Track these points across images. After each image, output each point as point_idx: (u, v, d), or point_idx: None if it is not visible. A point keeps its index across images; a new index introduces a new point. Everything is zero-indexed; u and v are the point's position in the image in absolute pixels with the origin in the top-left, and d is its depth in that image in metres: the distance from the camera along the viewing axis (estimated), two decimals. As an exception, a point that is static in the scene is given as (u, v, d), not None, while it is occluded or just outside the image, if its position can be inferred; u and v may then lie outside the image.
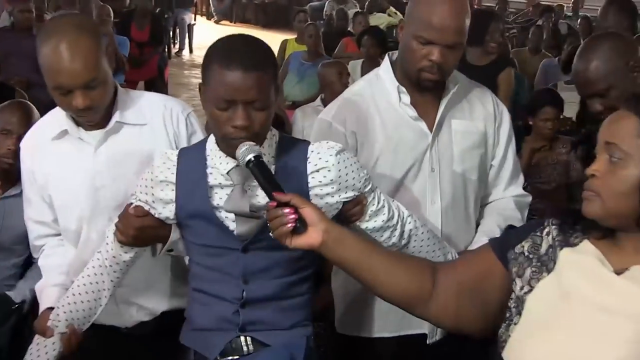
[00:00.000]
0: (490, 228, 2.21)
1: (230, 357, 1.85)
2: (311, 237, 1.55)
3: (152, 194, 1.85)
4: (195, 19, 12.71)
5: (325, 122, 2.20)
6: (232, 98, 1.66)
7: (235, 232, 1.79)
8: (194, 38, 12.31)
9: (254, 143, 1.67)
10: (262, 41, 1.78)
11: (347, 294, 2.26)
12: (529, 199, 2.35)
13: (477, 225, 2.28)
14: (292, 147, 1.82)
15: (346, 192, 1.82)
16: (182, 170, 1.84)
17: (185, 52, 12.11)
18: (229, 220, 1.80)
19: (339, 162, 1.79)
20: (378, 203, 1.88)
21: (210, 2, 15.02)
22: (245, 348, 1.85)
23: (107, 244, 1.94)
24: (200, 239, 1.87)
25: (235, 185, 1.77)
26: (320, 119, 2.23)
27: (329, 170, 1.79)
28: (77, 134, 2.04)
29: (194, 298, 1.93)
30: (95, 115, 1.98)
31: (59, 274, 2.15)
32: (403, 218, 1.92)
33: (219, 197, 1.80)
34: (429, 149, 2.16)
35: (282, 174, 1.75)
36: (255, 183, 1.72)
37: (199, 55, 12.07)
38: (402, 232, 1.91)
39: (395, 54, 2.22)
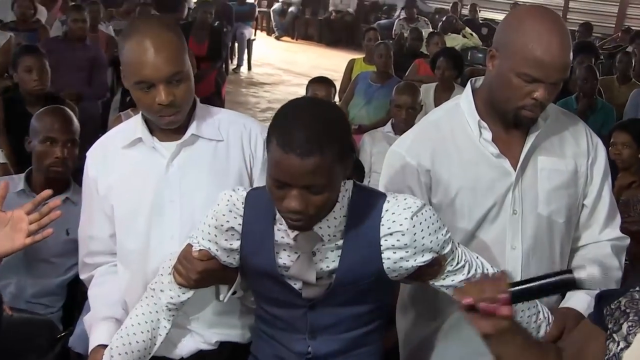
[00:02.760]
0: None
1: None
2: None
3: (216, 242, 1.87)
4: (255, 34, 12.81)
5: (397, 155, 2.16)
6: (287, 181, 1.65)
7: (302, 295, 1.82)
8: (253, 54, 12.42)
9: None
10: (332, 109, 1.73)
11: (412, 336, 2.24)
12: (627, 241, 2.24)
13: None
14: (366, 204, 1.81)
15: (423, 256, 1.81)
16: (248, 222, 1.84)
17: (244, 68, 12.21)
18: (296, 280, 1.82)
19: (414, 226, 1.77)
20: (457, 263, 1.86)
21: (272, 17, 15.16)
22: None
23: (162, 282, 1.95)
24: (265, 292, 1.91)
25: (303, 254, 1.78)
26: (393, 151, 2.19)
27: (403, 235, 1.77)
28: (152, 143, 2.06)
29: (260, 336, 1.97)
30: (178, 115, 2.01)
31: (110, 305, 2.15)
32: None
33: (287, 255, 1.82)
34: (512, 189, 2.09)
35: (353, 234, 1.77)
36: (324, 247, 1.76)
37: (257, 72, 12.17)
38: None
39: (479, 81, 2.17)
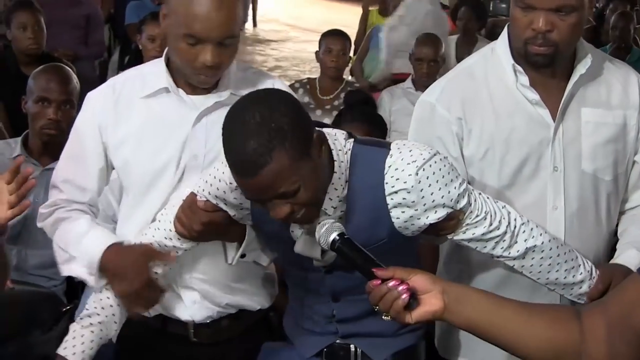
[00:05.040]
0: (637, 238, 2.07)
1: None
2: (431, 304, 1.53)
3: (224, 200, 1.85)
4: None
5: (427, 105, 2.13)
6: (260, 198, 1.66)
7: (314, 264, 1.81)
8: (258, 9, 12.33)
9: (332, 220, 1.63)
10: (272, 105, 1.64)
11: None
12: None
13: (614, 237, 2.16)
14: (368, 162, 1.77)
15: (435, 212, 1.78)
16: None
17: (249, 25, 12.13)
18: None
19: (420, 182, 1.74)
20: (477, 215, 1.83)
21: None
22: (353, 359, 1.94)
23: (157, 229, 1.94)
24: (282, 255, 1.93)
25: (306, 232, 1.77)
26: (423, 101, 2.16)
27: (409, 192, 1.74)
28: (179, 94, 2.01)
29: (294, 300, 2.02)
30: (214, 77, 1.97)
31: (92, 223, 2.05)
32: (515, 227, 1.86)
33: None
34: (551, 142, 2.05)
35: (356, 194, 1.75)
36: (332, 215, 1.73)
37: (263, 29, 12.10)
38: (512, 243, 1.86)
39: None
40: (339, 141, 1.78)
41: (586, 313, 1.52)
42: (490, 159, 2.05)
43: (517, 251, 1.87)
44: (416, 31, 5.08)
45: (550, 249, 1.89)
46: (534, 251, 1.87)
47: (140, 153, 2.02)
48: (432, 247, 2.33)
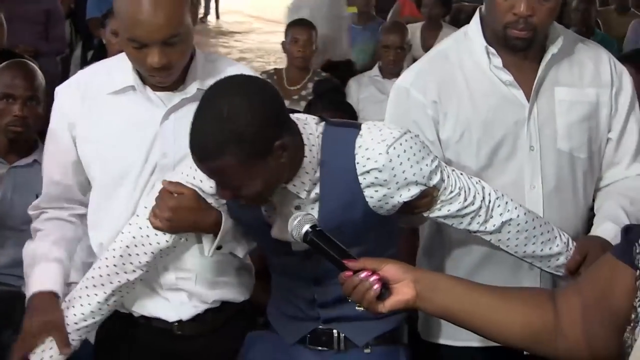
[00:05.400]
0: (613, 211, 2.09)
1: (320, 348, 1.96)
2: (403, 293, 1.55)
3: (201, 189, 1.86)
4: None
5: (402, 90, 2.14)
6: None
7: (292, 249, 1.82)
8: (220, 1, 12.28)
9: (304, 212, 1.66)
10: (246, 97, 1.66)
11: None
12: None
13: (590, 213, 2.18)
14: (339, 143, 1.79)
15: (408, 190, 1.79)
16: None
17: (211, 17, 12.10)
18: None
19: (391, 160, 1.75)
20: (451, 192, 1.84)
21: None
22: (335, 345, 1.95)
23: (136, 224, 1.92)
24: (260, 242, 1.94)
25: (279, 212, 1.79)
26: (397, 86, 2.18)
27: (380, 171, 1.75)
28: (145, 93, 1.99)
29: (276, 287, 2.03)
30: (170, 77, 1.94)
31: (55, 244, 2.06)
32: (489, 202, 1.89)
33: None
34: (527, 122, 2.07)
35: (329, 176, 1.76)
36: (305, 202, 1.76)
37: (226, 20, 12.06)
38: (488, 218, 1.89)
39: None
40: (310, 125, 1.79)
41: (560, 294, 1.52)
42: (467, 141, 2.07)
43: (494, 225, 1.89)
44: (318, 10, 5.11)
45: (526, 222, 1.92)
46: (509, 225, 1.90)
47: (106, 151, 2.00)
48: (410, 234, 2.36)
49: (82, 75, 2.11)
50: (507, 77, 2.07)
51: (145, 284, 2.03)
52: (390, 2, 7.25)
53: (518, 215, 1.91)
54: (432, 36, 5.63)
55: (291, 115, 1.79)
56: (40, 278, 2.00)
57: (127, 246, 1.92)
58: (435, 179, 1.81)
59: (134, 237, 1.92)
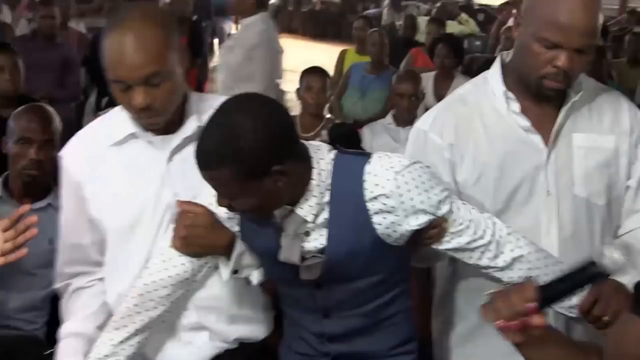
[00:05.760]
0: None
1: None
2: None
3: (218, 214, 1.89)
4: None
5: (421, 132, 2.16)
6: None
7: (301, 277, 1.82)
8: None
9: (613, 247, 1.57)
10: (256, 118, 1.70)
11: (443, 336, 2.24)
12: None
13: None
14: (348, 171, 1.80)
15: (417, 218, 1.80)
16: None
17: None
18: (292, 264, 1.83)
19: (399, 187, 1.76)
20: (460, 224, 1.85)
21: (252, 10, 15.16)
22: None
23: (154, 264, 1.95)
24: (270, 271, 1.92)
25: (286, 235, 1.80)
26: (417, 128, 2.19)
27: (388, 197, 1.76)
28: (148, 137, 2.00)
29: (285, 317, 2.02)
30: (158, 118, 1.94)
31: (85, 319, 2.11)
32: (499, 237, 1.89)
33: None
34: (544, 167, 2.07)
35: (338, 202, 1.77)
36: (312, 225, 1.79)
37: (239, 69, 12.11)
38: (499, 253, 1.88)
39: (509, 55, 2.15)
40: (322, 151, 1.82)
41: None
42: (483, 184, 2.07)
43: (504, 261, 1.89)
44: (248, 50, 5.08)
45: (538, 260, 1.91)
46: (520, 262, 1.90)
47: (116, 201, 2.02)
48: (425, 282, 2.35)
49: (83, 134, 2.13)
50: (525, 122, 2.07)
51: (167, 327, 2.03)
52: (403, 52, 7.31)
53: (529, 252, 1.90)
54: (444, 86, 5.65)
55: (304, 141, 1.82)
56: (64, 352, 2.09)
57: (145, 284, 1.94)
58: (444, 209, 1.82)
59: (151, 274, 1.94)
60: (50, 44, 5.91)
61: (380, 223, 1.79)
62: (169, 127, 2.00)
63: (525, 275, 1.90)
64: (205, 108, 2.02)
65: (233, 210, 1.79)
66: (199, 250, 1.92)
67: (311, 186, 1.77)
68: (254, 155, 1.66)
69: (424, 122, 2.18)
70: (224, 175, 1.67)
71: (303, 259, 1.80)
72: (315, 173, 1.78)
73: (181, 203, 1.90)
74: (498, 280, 1.96)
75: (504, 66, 2.13)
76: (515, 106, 2.07)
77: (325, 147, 1.84)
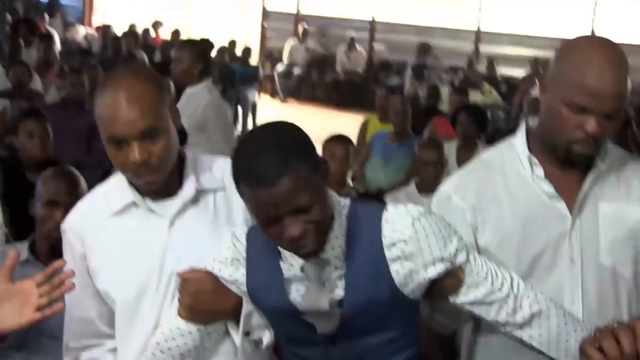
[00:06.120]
0: None
1: None
2: None
3: (222, 277, 1.89)
4: (260, 97, 12.95)
5: (444, 195, 2.16)
6: (274, 215, 1.69)
7: (317, 331, 1.80)
8: (257, 118, 12.53)
9: None
10: (284, 126, 1.76)
11: None
12: None
13: None
14: (365, 217, 1.81)
15: (435, 267, 1.80)
16: (252, 255, 1.86)
17: (249, 133, 12.27)
18: (310, 316, 1.81)
19: (417, 232, 1.77)
20: (477, 274, 1.85)
21: (276, 79, 15.36)
22: None
23: (158, 332, 1.95)
24: (282, 331, 1.90)
25: (312, 281, 1.78)
26: (440, 191, 2.20)
27: (406, 243, 1.77)
28: (147, 206, 2.00)
29: None
30: (155, 175, 1.93)
31: None
32: (517, 291, 1.87)
33: (296, 290, 1.82)
34: (568, 235, 2.05)
35: (354, 252, 1.77)
36: (333, 276, 1.76)
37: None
38: (517, 308, 1.87)
39: (534, 120, 2.15)
40: (335, 196, 1.83)
41: None
42: (506, 250, 2.05)
43: (523, 317, 1.87)
44: (197, 122, 4.97)
45: (557, 316, 1.89)
46: (540, 318, 1.88)
47: (120, 272, 2.01)
48: (444, 346, 2.33)
49: (83, 205, 2.12)
50: (549, 188, 2.06)
51: None
52: (426, 121, 7.36)
53: (548, 308, 1.88)
54: (467, 155, 5.61)
55: None
56: None
57: (153, 354, 1.94)
58: (461, 258, 1.83)
59: (159, 343, 1.93)
60: (79, 111, 6.01)
61: (398, 271, 1.79)
62: (168, 189, 2.00)
63: (545, 334, 1.89)
64: (202, 168, 2.05)
65: (302, 242, 1.71)
66: (205, 316, 1.91)
67: (334, 227, 1.77)
68: (309, 144, 1.73)
69: (447, 185, 2.18)
70: (298, 174, 1.65)
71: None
72: (337, 217, 1.78)
73: (183, 272, 1.89)
74: (522, 351, 1.94)
75: (528, 132, 2.13)
76: (540, 171, 2.07)
77: (336, 194, 1.85)
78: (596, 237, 2.06)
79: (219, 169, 2.08)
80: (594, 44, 2.00)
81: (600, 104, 1.93)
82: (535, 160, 2.08)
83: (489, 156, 2.20)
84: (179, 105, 5.13)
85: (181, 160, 2.03)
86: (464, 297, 1.86)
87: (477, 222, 2.08)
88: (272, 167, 1.65)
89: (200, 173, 2.04)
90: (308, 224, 1.69)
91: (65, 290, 1.84)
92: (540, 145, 2.09)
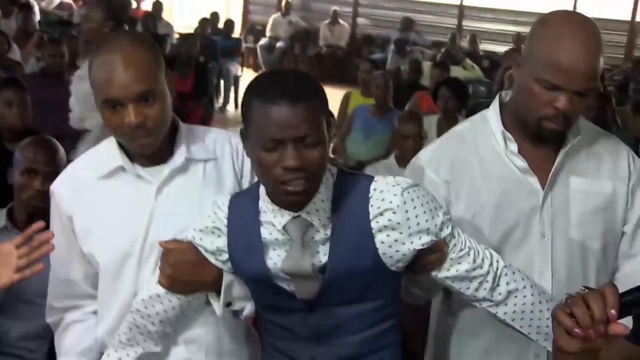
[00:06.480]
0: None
1: None
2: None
3: (203, 247, 1.89)
4: (242, 71, 12.90)
5: (417, 168, 2.17)
6: (279, 136, 1.66)
7: (297, 296, 1.81)
8: (240, 92, 12.48)
9: None
10: (307, 74, 1.80)
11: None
12: None
13: None
14: (352, 186, 1.81)
15: (420, 238, 1.80)
16: (233, 221, 1.86)
17: (230, 106, 12.23)
18: (289, 282, 1.81)
19: (405, 202, 1.77)
20: (461, 249, 1.86)
21: (259, 52, 15.28)
22: None
23: (138, 298, 1.97)
24: (260, 298, 1.91)
25: (294, 242, 1.77)
26: (413, 163, 2.20)
27: (394, 213, 1.77)
28: (135, 171, 2.01)
29: (266, 350, 1.98)
30: (150, 139, 1.94)
31: (79, 355, 2.12)
32: (497, 269, 1.89)
33: (277, 255, 1.82)
34: (540, 209, 2.08)
35: (340, 219, 1.77)
36: (316, 238, 1.76)
37: (245, 111, 12.16)
38: (495, 285, 1.89)
39: (509, 95, 2.17)
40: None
41: None
42: (478, 223, 2.07)
43: (500, 294, 1.90)
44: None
45: (532, 295, 1.91)
46: (516, 296, 1.90)
47: (106, 235, 2.02)
48: (421, 318, 2.36)
49: (72, 168, 2.14)
50: (522, 163, 2.07)
51: None
52: (408, 96, 7.37)
53: (524, 287, 1.91)
54: (448, 129, 5.63)
55: None
56: None
57: (134, 319, 1.96)
58: (446, 231, 1.84)
59: (138, 310, 1.95)
60: (59, 82, 5.97)
61: (383, 241, 1.79)
62: (158, 157, 2.01)
63: (519, 311, 1.91)
64: (193, 138, 2.06)
65: (299, 174, 1.68)
66: (185, 287, 1.92)
67: (321, 190, 1.77)
68: (322, 92, 1.76)
69: (420, 157, 2.19)
70: (316, 107, 1.70)
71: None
72: (324, 180, 1.78)
73: (165, 242, 1.91)
74: (491, 322, 1.98)
75: (502, 106, 2.14)
76: (513, 147, 2.08)
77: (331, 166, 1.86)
78: (567, 212, 2.08)
79: (211, 140, 2.09)
80: (567, 20, 2.00)
81: (571, 81, 1.93)
82: (509, 135, 2.08)
83: (462, 129, 2.21)
84: (83, 66, 4.89)
85: (174, 130, 2.04)
86: (445, 272, 1.87)
87: (451, 196, 2.10)
88: (296, 89, 1.68)
89: (192, 143, 2.05)
90: (307, 161, 1.68)
91: (45, 251, 1.86)
92: (513, 121, 2.09)
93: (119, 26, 4.93)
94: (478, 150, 2.12)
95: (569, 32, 1.95)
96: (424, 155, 2.18)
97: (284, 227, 1.78)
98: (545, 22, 2.03)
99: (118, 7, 5.12)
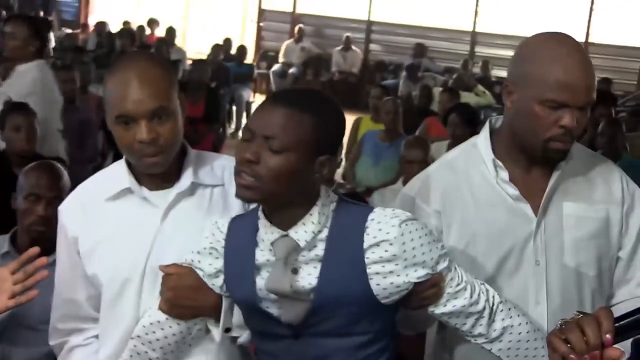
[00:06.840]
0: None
1: None
2: None
3: (201, 269, 1.89)
4: (254, 97, 12.94)
5: (408, 198, 2.16)
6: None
7: (282, 319, 1.79)
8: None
9: None
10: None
11: None
12: None
13: None
14: (350, 215, 1.81)
15: (415, 271, 1.79)
16: (231, 243, 1.87)
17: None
18: (276, 305, 1.80)
19: (402, 234, 1.76)
20: (458, 284, 1.84)
21: (271, 78, 15.33)
22: None
23: (139, 324, 1.96)
24: (252, 323, 1.91)
25: (277, 260, 1.77)
26: (404, 194, 2.20)
27: (391, 244, 1.76)
28: (142, 193, 2.02)
29: None
30: (159, 158, 1.95)
31: None
32: (493, 304, 1.88)
33: (267, 275, 1.82)
34: (533, 236, 2.06)
35: (335, 247, 1.76)
36: (303, 259, 1.75)
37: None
38: (491, 322, 1.87)
39: (499, 121, 2.15)
40: (326, 190, 1.83)
41: None
42: (471, 253, 2.05)
43: (494, 330, 1.88)
44: (20, 98, 4.62)
45: (528, 332, 1.90)
46: (511, 333, 1.88)
47: (109, 257, 2.02)
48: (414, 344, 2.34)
49: (81, 188, 2.15)
50: (514, 191, 2.05)
51: None
52: (419, 121, 7.37)
53: (520, 324, 1.89)
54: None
55: None
56: None
57: (135, 345, 1.95)
58: (443, 265, 1.82)
59: (139, 336, 1.95)
60: (71, 107, 6.01)
61: (378, 272, 1.77)
62: (166, 179, 2.02)
63: (514, 347, 1.89)
64: (201, 163, 2.07)
65: (250, 168, 1.73)
66: (185, 311, 1.92)
67: (313, 212, 1.77)
68: (336, 126, 1.78)
69: (410, 188, 2.18)
70: (302, 121, 1.71)
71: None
72: (319, 203, 1.78)
73: (166, 266, 1.91)
74: (486, 352, 1.95)
75: (492, 132, 2.12)
76: (504, 174, 2.06)
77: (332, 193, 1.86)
78: (560, 238, 2.06)
79: (219, 166, 2.10)
80: (559, 40, 2.01)
81: (576, 96, 1.94)
82: (499, 163, 2.06)
83: (452, 157, 2.19)
84: (8, 82, 4.96)
85: (183, 154, 2.06)
86: (442, 307, 1.85)
87: (442, 226, 2.08)
88: (291, 95, 1.74)
89: (200, 168, 2.06)
90: (260, 165, 1.71)
91: (39, 278, 1.86)
92: (506, 147, 2.08)
93: (44, 46, 4.93)
94: (469, 178, 2.10)
95: (565, 50, 1.96)
96: (414, 186, 2.17)
97: (271, 244, 1.79)
98: (533, 44, 2.03)
99: (40, 23, 5.09)
